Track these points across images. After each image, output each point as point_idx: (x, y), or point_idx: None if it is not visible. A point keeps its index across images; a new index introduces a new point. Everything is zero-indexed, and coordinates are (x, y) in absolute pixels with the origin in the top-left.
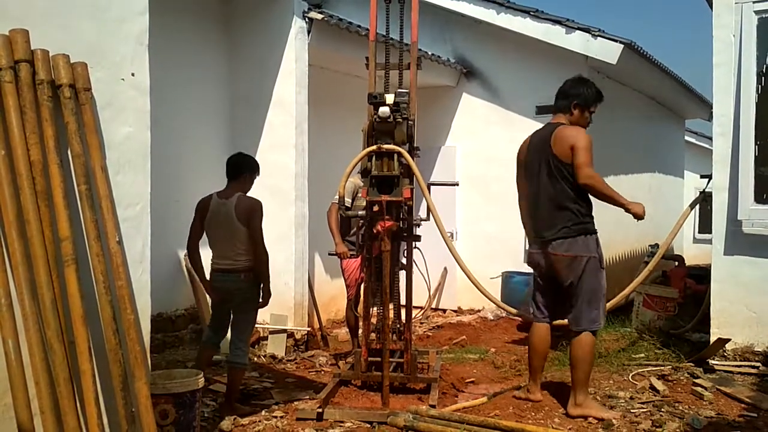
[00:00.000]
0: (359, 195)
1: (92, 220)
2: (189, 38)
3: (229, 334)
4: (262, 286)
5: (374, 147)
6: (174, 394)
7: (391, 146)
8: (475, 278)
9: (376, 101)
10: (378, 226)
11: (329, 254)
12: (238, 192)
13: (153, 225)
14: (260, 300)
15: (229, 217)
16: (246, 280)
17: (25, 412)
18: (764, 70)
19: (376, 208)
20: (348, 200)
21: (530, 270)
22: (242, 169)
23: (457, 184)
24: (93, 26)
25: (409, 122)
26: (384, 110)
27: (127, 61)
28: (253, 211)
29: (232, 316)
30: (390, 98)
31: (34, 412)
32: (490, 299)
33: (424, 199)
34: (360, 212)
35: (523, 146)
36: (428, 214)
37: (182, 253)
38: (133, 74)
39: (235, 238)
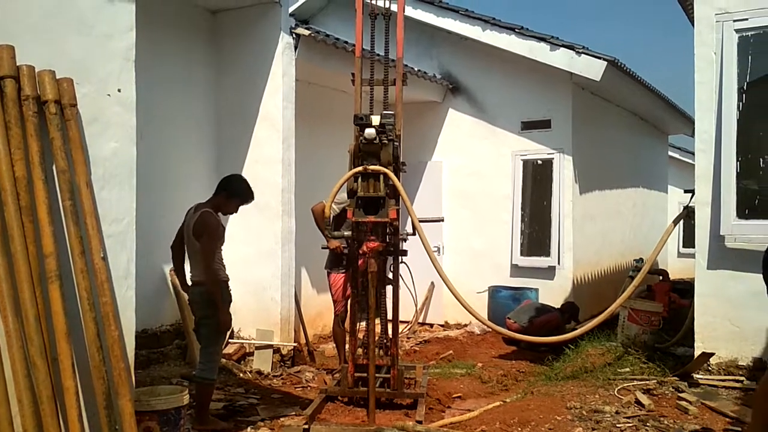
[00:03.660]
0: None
1: (77, 235)
2: (176, 53)
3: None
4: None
5: (360, 168)
6: (158, 411)
7: (377, 167)
8: (460, 295)
9: (362, 123)
10: (364, 247)
11: (322, 248)
12: (208, 207)
13: (138, 241)
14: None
15: (189, 230)
16: (202, 293)
17: (7, 430)
18: (745, 87)
19: None
20: (336, 208)
21: (517, 284)
22: (221, 187)
23: (442, 220)
24: (79, 42)
25: (395, 143)
26: (370, 132)
27: (114, 77)
28: (204, 225)
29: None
30: (376, 120)
31: (17, 430)
32: (474, 316)
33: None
34: (346, 233)
35: None
36: (414, 231)
37: (167, 269)
38: (119, 90)
39: (193, 251)
